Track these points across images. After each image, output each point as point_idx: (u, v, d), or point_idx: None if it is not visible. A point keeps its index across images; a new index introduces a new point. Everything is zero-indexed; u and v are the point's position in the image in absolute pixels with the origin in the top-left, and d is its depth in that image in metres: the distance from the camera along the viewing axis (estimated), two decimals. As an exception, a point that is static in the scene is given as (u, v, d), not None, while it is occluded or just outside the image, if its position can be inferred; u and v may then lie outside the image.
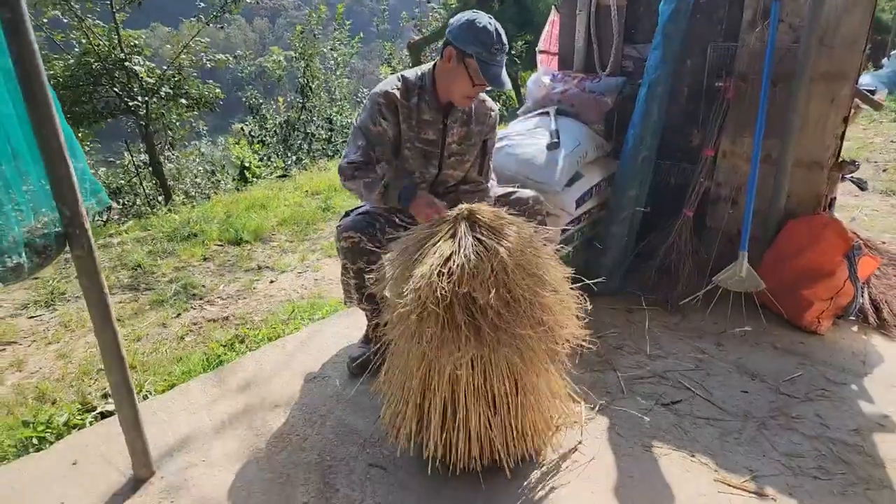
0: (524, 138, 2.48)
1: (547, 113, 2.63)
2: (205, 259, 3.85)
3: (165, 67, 6.29)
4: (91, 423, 2.09)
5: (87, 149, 7.13)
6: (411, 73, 2.03)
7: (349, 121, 9.81)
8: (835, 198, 2.51)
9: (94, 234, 1.57)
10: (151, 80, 5.92)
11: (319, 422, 1.97)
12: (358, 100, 10.67)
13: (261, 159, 7.86)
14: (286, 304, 3.02)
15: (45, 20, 5.55)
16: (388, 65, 10.61)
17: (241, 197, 5.36)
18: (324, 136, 8.79)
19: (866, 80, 8.93)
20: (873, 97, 2.25)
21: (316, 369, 2.27)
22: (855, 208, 3.89)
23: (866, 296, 2.34)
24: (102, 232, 4.78)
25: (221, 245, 4.07)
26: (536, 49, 3.09)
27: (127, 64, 5.62)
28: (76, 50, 5.73)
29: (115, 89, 5.76)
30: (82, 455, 1.88)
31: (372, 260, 1.89)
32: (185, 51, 6.31)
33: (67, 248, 1.50)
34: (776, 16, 2.22)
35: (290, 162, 8.23)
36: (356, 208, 2.12)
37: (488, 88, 1.94)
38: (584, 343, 1.70)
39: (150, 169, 6.22)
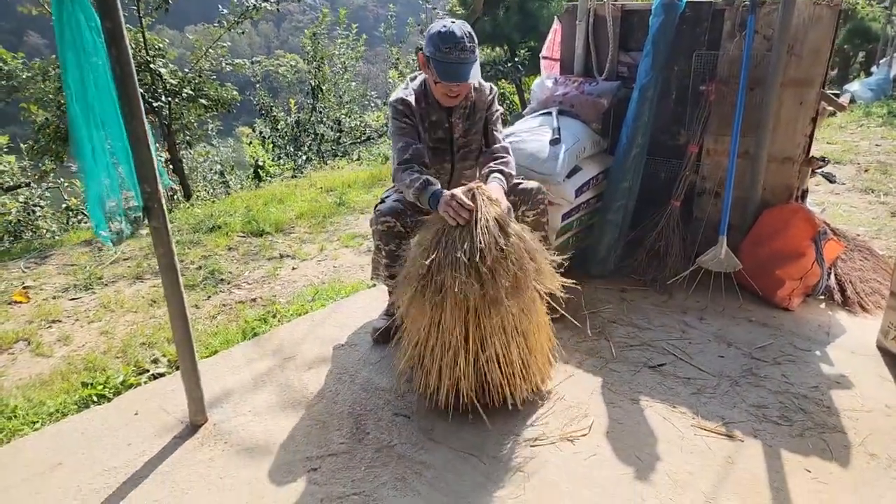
0: (529, 135, 2.76)
1: (550, 113, 2.92)
2: (229, 248, 4.12)
3: (187, 70, 6.59)
4: (146, 383, 2.37)
5: (110, 146, 7.42)
6: (415, 82, 2.31)
7: (357, 122, 10.12)
8: (806, 190, 2.79)
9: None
10: (174, 82, 6.22)
11: (349, 380, 2.25)
12: (366, 102, 10.98)
13: (272, 159, 8.15)
14: (309, 288, 3.30)
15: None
16: (395, 69, 10.93)
17: (259, 193, 5.65)
18: (333, 138, 9.10)
19: (855, 87, 9.24)
20: (837, 100, 2.53)
21: (343, 339, 2.55)
22: (836, 205, 4.17)
23: (832, 276, 2.62)
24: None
25: (244, 236, 4.34)
26: (540, 55, 3.38)
27: (152, 66, 5.92)
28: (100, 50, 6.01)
29: (140, 90, 6.04)
30: (142, 407, 2.16)
31: (402, 243, 2.17)
32: (205, 55, 6.61)
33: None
34: (752, 27, 2.51)
35: (300, 162, 8.52)
36: (390, 194, 2.35)
37: (455, 86, 2.10)
38: (562, 293, 1.99)
39: (172, 167, 6.52)
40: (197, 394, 2.00)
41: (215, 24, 6.69)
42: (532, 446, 1.86)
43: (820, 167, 2.68)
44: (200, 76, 6.63)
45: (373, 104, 11.28)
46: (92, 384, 2.36)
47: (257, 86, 9.59)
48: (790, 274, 2.55)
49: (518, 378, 1.97)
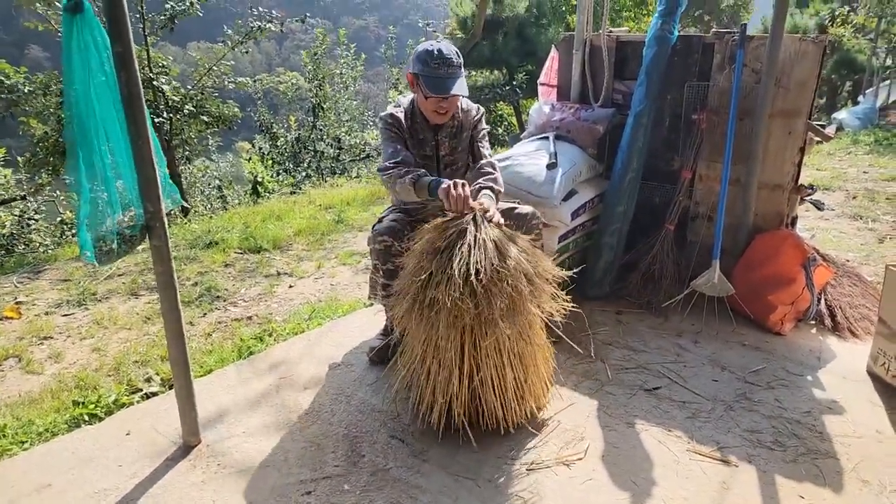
0: (527, 159, 2.81)
1: (547, 137, 2.97)
2: (226, 265, 4.12)
3: (190, 87, 6.65)
4: (138, 402, 2.35)
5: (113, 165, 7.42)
6: (405, 101, 2.39)
7: (356, 140, 10.18)
8: (796, 216, 2.85)
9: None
10: (176, 99, 6.27)
11: (345, 401, 2.25)
12: (365, 120, 11.07)
13: (271, 176, 8.18)
14: (306, 306, 3.30)
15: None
16: (395, 88, 11.06)
17: (257, 209, 5.66)
18: (332, 155, 9.17)
19: (843, 115, 9.43)
20: (824, 131, 2.59)
21: (339, 358, 2.56)
22: (825, 230, 4.23)
23: (823, 302, 2.66)
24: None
25: (241, 252, 4.35)
26: (538, 81, 3.45)
27: (155, 83, 5.97)
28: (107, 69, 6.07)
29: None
30: (135, 426, 2.14)
31: (399, 262, 2.18)
32: (208, 73, 6.68)
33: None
34: (741, 60, 2.58)
35: (299, 178, 8.57)
36: (387, 214, 2.40)
37: (443, 99, 2.16)
38: (561, 313, 2.00)
39: (174, 181, 6.54)
40: (191, 414, 1.99)
41: (219, 43, 6.78)
42: (529, 470, 1.87)
43: (808, 194, 2.74)
44: (202, 93, 6.68)
45: (372, 122, 11.38)
46: (83, 403, 2.34)
47: (258, 102, 9.66)
48: (781, 299, 2.59)
49: (513, 402, 1.97)
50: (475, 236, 1.86)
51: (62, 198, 7.99)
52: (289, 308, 3.35)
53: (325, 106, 9.28)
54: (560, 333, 2.25)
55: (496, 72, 10.36)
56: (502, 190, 2.31)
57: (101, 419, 2.24)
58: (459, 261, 1.79)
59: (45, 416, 2.30)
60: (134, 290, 3.71)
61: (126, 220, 1.77)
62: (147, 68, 6.01)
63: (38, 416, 2.30)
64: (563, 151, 2.84)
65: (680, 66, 2.89)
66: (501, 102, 10.29)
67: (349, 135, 9.55)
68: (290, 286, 3.70)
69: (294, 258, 4.17)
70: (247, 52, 7.10)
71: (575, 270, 2.92)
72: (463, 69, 2.20)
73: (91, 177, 1.64)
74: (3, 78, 5.35)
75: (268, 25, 6.67)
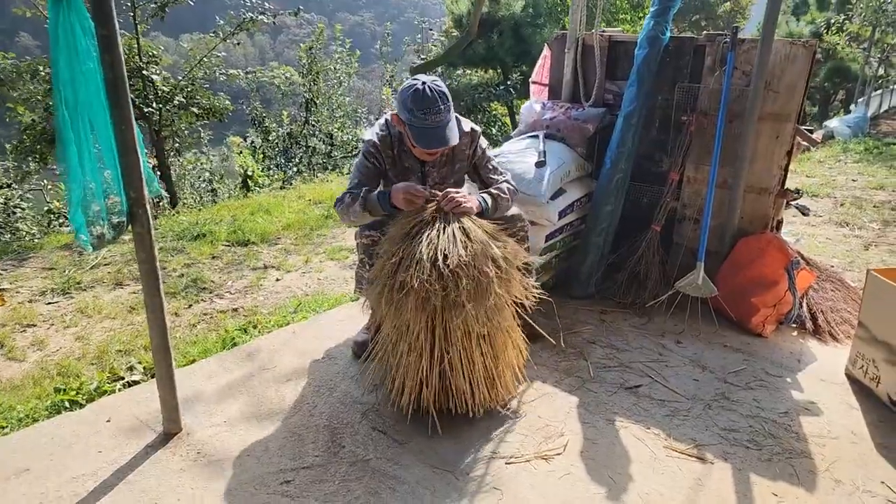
0: (516, 156, 2.81)
1: (537, 136, 2.98)
2: (213, 257, 4.10)
3: (180, 78, 6.61)
4: (120, 390, 2.34)
5: (99, 150, 7.38)
6: (392, 125, 2.22)
7: (349, 136, 10.16)
8: (781, 220, 2.87)
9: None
10: (166, 89, 6.23)
11: (327, 393, 2.25)
12: (358, 117, 11.04)
13: (262, 170, 8.15)
14: (292, 299, 3.29)
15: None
16: (389, 86, 11.04)
17: (246, 203, 5.64)
18: (324, 151, 9.14)
19: (834, 123, 9.52)
20: (811, 136, 2.62)
21: (322, 351, 2.55)
22: (812, 236, 4.27)
23: (805, 305, 2.69)
24: (113, 230, 5.01)
25: (229, 245, 4.33)
26: (530, 80, 3.45)
27: (144, 72, 5.93)
28: (93, 54, 6.03)
29: (132, 95, 6.06)
30: (115, 414, 2.13)
31: None
32: (198, 64, 6.64)
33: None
34: (731, 63, 2.60)
35: (290, 173, 8.54)
36: None
37: (431, 151, 2.08)
38: (530, 299, 2.06)
39: (159, 174, 6.50)
40: (172, 402, 1.99)
41: (211, 34, 6.74)
42: (507, 464, 1.88)
43: (794, 199, 2.76)
44: (193, 84, 6.64)
45: (365, 119, 11.36)
46: (65, 390, 2.33)
47: (251, 96, 9.63)
48: (764, 301, 2.61)
49: (482, 385, 2.01)
50: (441, 223, 1.96)
51: (49, 186, 7.94)
52: (275, 301, 3.34)
53: (317, 101, 9.24)
54: (540, 330, 2.26)
55: (490, 71, 10.38)
56: (504, 195, 2.24)
57: (81, 406, 2.23)
58: (427, 245, 1.87)
59: (27, 402, 2.29)
60: (119, 280, 3.69)
61: (111, 204, 1.76)
62: (137, 57, 5.97)
63: (20, 402, 2.28)
64: (552, 150, 2.85)
65: (671, 67, 2.91)
66: (496, 102, 10.31)
67: (342, 131, 9.53)
68: (277, 279, 3.69)
69: (282, 252, 4.16)
70: (238, 44, 7.07)
71: (561, 269, 3.00)
72: (452, 110, 2.07)
73: (81, 159, 1.63)
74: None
75: (260, 17, 6.63)
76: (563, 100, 3.19)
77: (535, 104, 3.18)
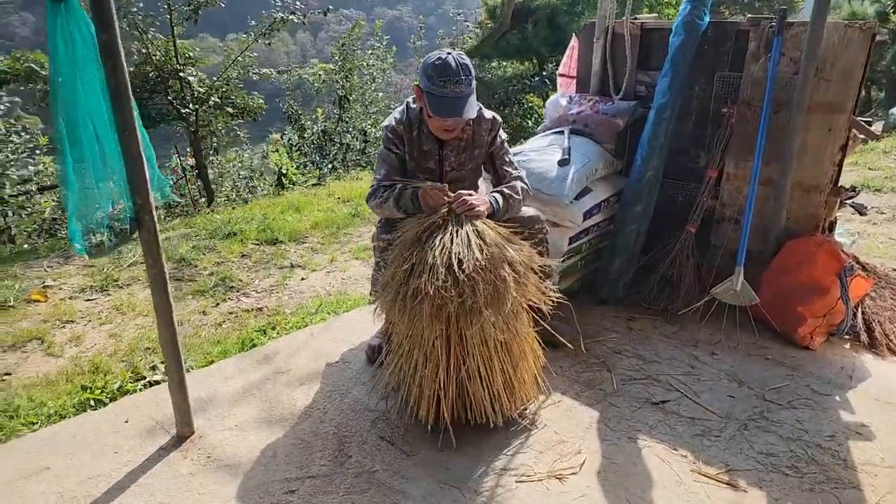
0: (538, 154, 2.69)
1: (562, 132, 2.84)
2: (243, 256, 4.14)
3: (215, 78, 6.73)
4: (141, 390, 2.36)
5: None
6: (416, 105, 2.21)
7: (382, 133, 10.10)
8: (834, 221, 2.64)
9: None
10: (202, 90, 6.35)
11: (339, 399, 2.20)
12: (390, 111, 10.98)
13: (297, 167, 8.23)
14: (314, 299, 3.28)
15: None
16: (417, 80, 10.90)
17: (278, 201, 5.69)
18: (358, 147, 9.14)
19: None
20: (870, 128, 2.39)
21: (338, 355, 2.51)
22: (872, 236, 3.95)
23: (859, 315, 2.46)
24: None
25: (258, 244, 4.36)
26: (557, 72, 3.31)
27: (181, 74, 6.06)
28: (135, 58, 6.24)
29: (169, 97, 6.21)
30: (133, 414, 2.15)
31: None
32: (232, 64, 6.74)
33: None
34: (777, 49, 2.39)
35: (325, 170, 8.59)
36: None
37: (448, 121, 2.01)
38: (547, 303, 1.96)
39: (197, 172, 6.65)
40: (184, 406, 1.98)
41: (244, 35, 6.83)
42: (518, 482, 1.78)
43: (850, 198, 2.53)
44: (228, 84, 6.75)
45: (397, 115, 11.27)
46: (91, 388, 2.37)
47: (288, 94, 9.74)
48: (812, 311, 2.41)
49: (502, 394, 1.92)
50: (454, 227, 1.88)
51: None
52: (298, 301, 3.33)
53: (350, 98, 9.23)
54: (559, 337, 2.15)
55: (526, 63, 10.11)
56: (517, 195, 2.16)
57: (105, 405, 2.27)
58: (441, 250, 1.80)
59: (57, 398, 2.34)
60: (153, 278, 3.76)
61: (116, 212, 1.75)
62: (174, 59, 6.10)
63: (51, 399, 2.34)
64: (577, 147, 2.71)
65: (710, 54, 2.71)
66: (531, 94, 10.04)
67: (375, 127, 9.49)
68: (302, 279, 3.69)
69: (308, 250, 4.16)
70: (269, 44, 7.13)
71: (588, 272, 2.85)
72: (473, 85, 2.01)
73: (80, 169, 1.62)
74: (38, 68, 5.51)
75: (290, 17, 6.67)
76: (591, 93, 3.03)
77: (560, 98, 3.04)
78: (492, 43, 8.84)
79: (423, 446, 1.94)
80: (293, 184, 7.05)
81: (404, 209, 2.08)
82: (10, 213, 5.70)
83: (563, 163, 2.59)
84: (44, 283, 3.71)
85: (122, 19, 5.86)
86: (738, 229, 2.66)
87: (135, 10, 5.88)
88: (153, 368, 2.52)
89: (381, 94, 10.42)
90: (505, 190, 2.16)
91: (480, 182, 2.44)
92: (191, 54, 6.51)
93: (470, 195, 1.99)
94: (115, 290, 3.62)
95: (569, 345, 2.28)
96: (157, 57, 6.22)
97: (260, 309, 3.28)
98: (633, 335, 2.59)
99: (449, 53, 1.98)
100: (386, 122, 2.26)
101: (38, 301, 3.46)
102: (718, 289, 2.48)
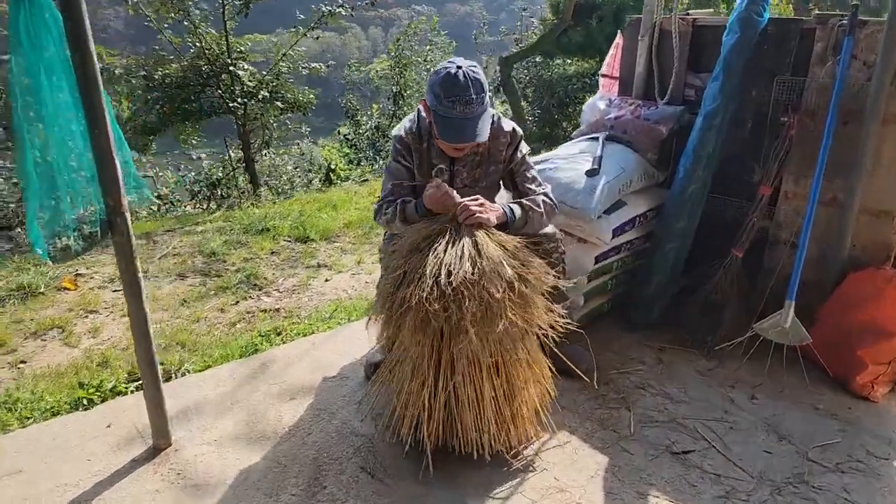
0: (566, 162, 2.45)
1: (596, 138, 2.58)
2: (272, 253, 4.10)
3: (265, 73, 6.81)
4: (133, 392, 2.30)
5: (195, 143, 7.83)
6: (423, 116, 2.02)
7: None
8: (910, 252, 2.26)
9: (182, 222, 1.77)
10: (252, 84, 6.42)
11: (326, 419, 2.05)
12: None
13: (350, 162, 8.24)
14: (332, 303, 3.17)
15: (166, 25, 6.29)
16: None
17: (319, 197, 5.66)
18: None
19: None
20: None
21: (337, 368, 2.37)
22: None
23: (935, 365, 2.09)
24: (190, 220, 5.23)
25: (290, 241, 4.32)
26: (599, 72, 3.03)
27: (232, 68, 6.15)
28: (191, 51, 6.39)
29: (219, 91, 6.32)
30: (116, 419, 2.08)
31: None
32: (282, 58, 6.79)
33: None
34: (848, 51, 2.05)
35: (377, 167, 8.56)
36: None
37: (461, 145, 1.84)
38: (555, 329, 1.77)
39: (244, 165, 6.75)
40: (159, 417, 1.89)
41: (293, 29, 6.88)
42: (501, 536, 1.57)
43: (931, 226, 2.15)
44: (278, 79, 6.80)
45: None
46: (87, 385, 2.34)
47: (347, 89, 9.79)
48: (876, 356, 2.05)
49: (492, 425, 1.74)
50: (453, 236, 1.72)
51: (160, 174, 8.55)
52: (317, 303, 3.24)
53: (405, 94, 9.16)
54: (570, 365, 1.92)
55: (589, 60, 9.68)
56: (537, 209, 1.94)
57: (95, 405, 2.22)
58: (433, 260, 1.65)
59: (57, 393, 2.32)
60: (182, 272, 3.77)
61: (87, 213, 1.66)
62: (225, 54, 6.19)
63: (52, 393, 2.32)
64: (612, 155, 2.45)
65: (770, 56, 2.38)
66: (592, 94, 9.60)
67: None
68: (327, 280, 3.59)
69: (338, 250, 4.06)
70: (318, 39, 7.13)
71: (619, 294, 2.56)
72: (487, 102, 1.81)
73: (45, 169, 1.54)
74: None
75: (338, 9, 6.64)
76: (634, 96, 2.75)
77: (598, 101, 2.77)
78: (552, 39, 8.50)
79: (404, 479, 1.77)
80: (342, 179, 7.04)
81: (411, 221, 1.92)
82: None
83: (592, 173, 2.34)
84: (77, 271, 3.79)
85: (178, 13, 6.01)
86: (794, 255, 2.32)
87: (189, 3, 6.00)
88: (152, 369, 2.46)
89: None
90: (525, 202, 1.96)
91: (499, 197, 2.22)
92: (242, 48, 6.60)
93: (476, 201, 1.81)
94: (142, 281, 3.64)
95: (584, 376, 2.04)
96: (211, 51, 6.33)
97: (277, 310, 3.21)
98: (662, 369, 2.31)
99: (459, 67, 1.75)
100: (395, 132, 2.09)
101: (68, 289, 3.52)
102: (764, 324, 2.16)
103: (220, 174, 7.35)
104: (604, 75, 2.96)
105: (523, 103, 10.34)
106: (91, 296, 3.38)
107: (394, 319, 1.74)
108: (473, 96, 1.74)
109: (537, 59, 10.75)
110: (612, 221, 2.36)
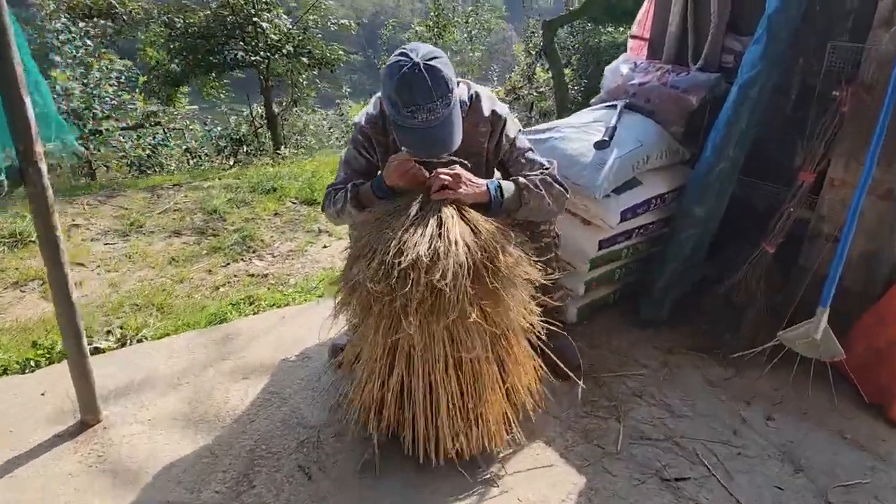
0: (575, 131, 2.12)
1: (614, 106, 2.24)
2: (275, 214, 3.93)
3: (291, 26, 6.52)
4: (83, 357, 2.15)
5: (223, 97, 7.68)
6: None
7: (471, 95, 9.59)
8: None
9: (193, 177, 1.55)
10: (276, 38, 6.17)
11: (276, 405, 1.85)
12: (485, 73, 10.39)
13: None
14: (323, 272, 2.98)
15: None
16: (527, 42, 10.18)
17: (335, 159, 5.44)
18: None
19: None
20: None
21: (301, 347, 2.16)
22: None
23: None
24: (201, 175, 5.09)
25: (296, 203, 4.14)
26: (629, 33, 2.65)
27: (255, 20, 5.90)
28: (213, 4, 6.17)
29: (241, 43, 6.10)
30: (52, 387, 1.93)
31: None
32: (309, 11, 6.50)
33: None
34: (927, 6, 1.64)
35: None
36: None
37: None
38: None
39: (266, 122, 6.56)
40: (87, 392, 1.72)
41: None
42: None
43: None
44: (305, 33, 6.51)
45: (498, 76, 10.68)
46: (39, 346, 2.20)
47: (383, 50, 9.47)
48: (924, 383, 1.71)
49: (444, 427, 1.53)
50: (419, 210, 1.50)
51: (190, 126, 8.47)
52: (309, 270, 3.05)
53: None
54: (560, 364, 1.65)
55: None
56: (535, 189, 1.62)
57: (40, 368, 2.08)
58: (388, 235, 1.44)
59: (13, 349, 2.20)
60: (178, 229, 3.63)
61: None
62: (250, 4, 5.94)
63: (7, 350, 2.19)
64: (629, 127, 2.11)
65: (823, 17, 1.98)
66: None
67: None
68: (325, 246, 3.40)
69: (339, 216, 3.85)
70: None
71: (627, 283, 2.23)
72: (454, 99, 1.49)
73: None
74: (116, 3, 5.55)
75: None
76: (664, 60, 2.37)
77: (622, 64, 2.41)
78: (603, 3, 7.89)
79: (345, 483, 1.56)
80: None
81: (367, 203, 1.63)
82: (90, 147, 5.89)
83: (602, 145, 2.01)
84: (73, 221, 3.68)
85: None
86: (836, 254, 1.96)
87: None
88: (109, 333, 2.31)
89: (477, 55, 9.83)
90: (521, 179, 1.64)
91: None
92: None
93: (451, 172, 1.52)
94: (136, 236, 3.52)
95: (572, 375, 1.76)
96: (236, 1, 6.10)
97: (266, 275, 3.03)
98: (666, 374, 2.01)
99: (415, 65, 1.40)
100: (357, 118, 1.78)
101: (62, 239, 3.43)
102: (792, 332, 1.82)
103: (244, 130, 7.19)
104: (633, 36, 2.58)
105: (567, 70, 9.81)
106: (82, 248, 3.27)
107: (345, 297, 1.56)
108: (437, 100, 1.42)
109: (588, 26, 10.13)
110: (622, 202, 2.03)
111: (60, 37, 5.44)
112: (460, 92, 1.65)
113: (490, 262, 1.46)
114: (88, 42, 5.66)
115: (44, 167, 1.46)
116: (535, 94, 10.04)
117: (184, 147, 8.35)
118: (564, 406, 1.84)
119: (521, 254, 1.55)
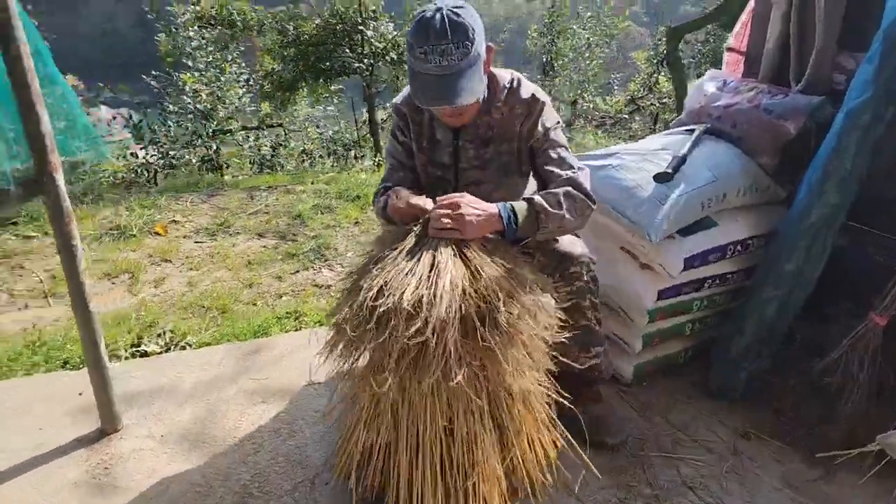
0: (637, 160, 1.83)
1: (692, 130, 1.91)
2: (356, 223, 3.95)
3: (396, 34, 6.63)
4: (127, 359, 2.24)
5: (336, 101, 8.00)
6: None
7: (589, 105, 9.17)
8: None
9: (293, 180, 1.59)
10: (380, 46, 6.30)
11: (283, 437, 1.78)
12: (607, 83, 9.88)
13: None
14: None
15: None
16: (648, 51, 9.54)
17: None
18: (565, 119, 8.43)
19: None
20: None
21: (326, 373, 2.08)
22: None
23: None
24: (299, 178, 5.29)
25: (379, 212, 4.14)
26: (725, 45, 2.27)
27: (361, 28, 6.06)
28: (325, 9, 6.44)
29: (346, 50, 6.31)
30: (88, 388, 1.99)
31: None
32: (409, 22, 6.55)
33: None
34: None
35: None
36: None
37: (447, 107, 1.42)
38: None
39: (370, 128, 6.73)
40: (105, 400, 1.76)
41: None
42: None
43: None
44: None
45: (618, 85, 10.12)
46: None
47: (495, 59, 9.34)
48: None
49: (429, 490, 1.34)
50: (417, 248, 1.35)
51: (307, 129, 8.94)
52: (371, 286, 3.00)
53: (556, 64, 8.41)
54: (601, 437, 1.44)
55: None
56: (555, 210, 1.43)
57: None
58: (375, 272, 1.31)
59: (69, 346, 2.31)
60: (262, 232, 3.77)
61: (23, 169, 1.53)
62: (357, 13, 6.11)
63: (76, 343, 2.32)
64: (705, 156, 1.78)
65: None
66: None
67: (583, 98, 8.56)
68: (393, 260, 3.33)
69: (420, 228, 3.78)
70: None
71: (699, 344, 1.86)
72: (475, 50, 1.36)
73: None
74: (236, 13, 5.96)
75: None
76: (760, 78, 1.98)
77: (708, 83, 2.06)
78: (735, 10, 7.15)
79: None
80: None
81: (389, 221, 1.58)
82: (214, 146, 6.39)
83: (663, 178, 1.71)
84: (174, 217, 3.95)
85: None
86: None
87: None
88: (159, 336, 2.40)
89: (593, 63, 9.37)
90: (537, 198, 1.45)
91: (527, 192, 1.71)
92: (374, 8, 6.50)
93: (452, 204, 1.37)
94: (223, 236, 3.69)
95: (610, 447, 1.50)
96: (345, 11, 6.32)
97: (330, 286, 3.03)
98: (733, 464, 1.64)
99: (439, 10, 1.33)
100: (395, 100, 1.71)
101: (159, 234, 3.68)
102: (891, 439, 1.41)
103: (348, 136, 7.45)
104: (729, 49, 2.20)
105: (693, 81, 9.07)
106: (174, 244, 3.48)
107: (333, 338, 1.41)
108: (450, 45, 1.31)
109: (720, 33, 9.31)
110: (687, 247, 1.72)
111: (192, 43, 5.97)
112: (502, 77, 1.55)
113: (489, 313, 1.26)
114: (216, 51, 6.14)
115: (59, 177, 1.49)
116: (657, 104, 9.38)
117: (300, 149, 8.85)
118: (593, 489, 1.57)
119: (539, 301, 1.34)
